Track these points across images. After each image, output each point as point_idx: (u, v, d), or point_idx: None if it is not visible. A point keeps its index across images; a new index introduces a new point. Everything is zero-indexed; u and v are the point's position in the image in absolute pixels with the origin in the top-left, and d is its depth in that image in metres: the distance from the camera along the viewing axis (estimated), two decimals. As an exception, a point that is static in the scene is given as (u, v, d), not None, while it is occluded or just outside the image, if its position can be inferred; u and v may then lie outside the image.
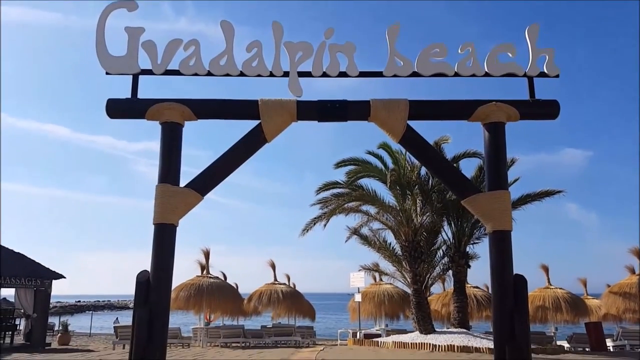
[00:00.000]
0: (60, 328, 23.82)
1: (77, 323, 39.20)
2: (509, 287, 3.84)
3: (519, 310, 3.74)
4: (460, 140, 20.00)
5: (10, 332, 18.17)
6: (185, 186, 4.08)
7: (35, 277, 18.33)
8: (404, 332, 20.14)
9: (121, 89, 4.43)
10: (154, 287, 3.82)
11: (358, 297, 20.69)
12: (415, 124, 4.16)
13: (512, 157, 17.42)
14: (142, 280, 3.82)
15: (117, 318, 37.47)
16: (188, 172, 4.01)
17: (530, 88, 4.47)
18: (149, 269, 3.84)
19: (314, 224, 17.50)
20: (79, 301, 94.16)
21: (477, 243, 17.81)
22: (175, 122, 4.16)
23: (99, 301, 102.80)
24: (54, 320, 31.21)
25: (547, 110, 4.39)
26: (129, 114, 4.31)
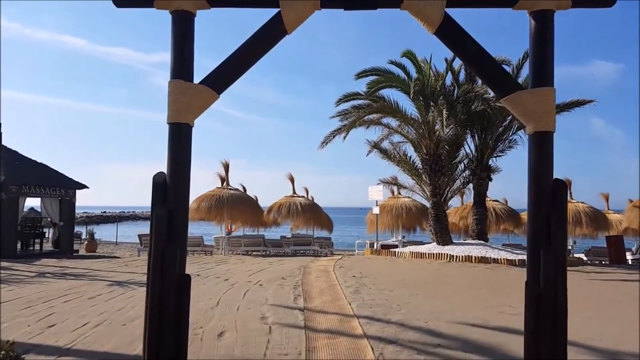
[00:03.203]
0: (87, 236, 24.91)
1: (104, 232, 41.07)
2: (547, 191, 3.56)
3: (556, 214, 3.49)
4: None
5: (39, 240, 18.98)
6: (200, 83, 3.75)
7: (60, 186, 18.76)
8: (421, 243, 20.47)
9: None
10: (171, 188, 3.63)
11: (376, 210, 20.83)
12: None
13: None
14: (159, 181, 3.63)
15: None
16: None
17: (585, -29, 3.89)
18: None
19: (333, 136, 17.20)
20: (105, 212, 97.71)
21: (500, 156, 17.48)
22: (187, 10, 3.74)
23: (124, 212, 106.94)
24: (81, 229, 32.57)
25: (603, -5, 3.83)
26: (136, 2, 3.92)
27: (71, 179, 19.73)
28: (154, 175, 3.64)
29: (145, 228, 47.32)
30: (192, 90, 3.65)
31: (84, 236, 29.05)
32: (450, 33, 3.73)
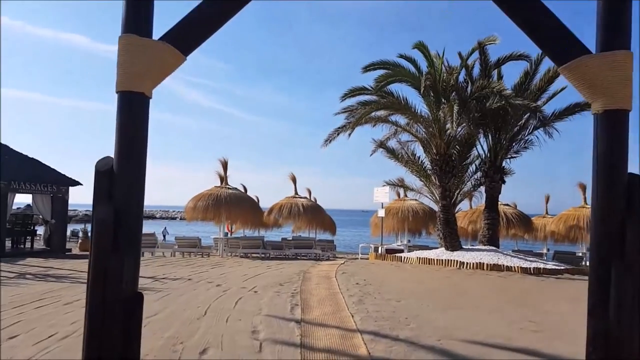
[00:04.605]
0: (82, 235, 24.21)
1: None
2: (620, 188, 2.67)
3: (633, 219, 2.58)
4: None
5: (30, 238, 18.20)
6: (160, 39, 2.86)
7: (51, 183, 17.96)
8: (426, 248, 19.54)
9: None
10: (120, 179, 2.75)
11: (381, 212, 19.89)
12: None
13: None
14: (104, 170, 2.76)
15: (165, 228, 37.55)
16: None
17: None
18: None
19: (338, 134, 16.27)
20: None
21: (514, 157, 16.50)
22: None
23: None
24: (77, 227, 31.82)
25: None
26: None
27: (64, 175, 18.91)
28: (98, 162, 2.77)
29: (147, 227, 46.35)
30: (150, 48, 2.78)
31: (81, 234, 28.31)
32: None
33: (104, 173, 2.73)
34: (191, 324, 6.60)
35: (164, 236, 36.57)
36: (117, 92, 2.81)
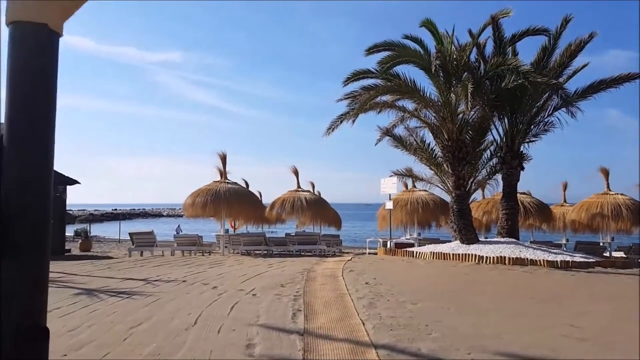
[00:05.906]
0: (82, 235, 23.59)
1: (113, 229, 39.98)
2: None
3: None
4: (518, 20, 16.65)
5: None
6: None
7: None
8: (438, 241, 18.54)
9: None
10: (12, 150, 1.79)
11: (389, 204, 18.82)
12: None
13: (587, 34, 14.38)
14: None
15: (178, 225, 36.72)
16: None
17: None
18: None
19: (341, 121, 15.20)
20: (115, 209, 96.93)
21: (533, 141, 15.39)
22: None
23: (134, 209, 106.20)
24: (83, 226, 31.21)
25: None
26: None
27: (61, 174, 18.04)
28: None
29: (144, 226, 45.50)
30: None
31: (92, 234, 27.93)
32: None
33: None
34: (177, 336, 5.68)
35: (178, 234, 35.58)
36: (7, 25, 1.85)
